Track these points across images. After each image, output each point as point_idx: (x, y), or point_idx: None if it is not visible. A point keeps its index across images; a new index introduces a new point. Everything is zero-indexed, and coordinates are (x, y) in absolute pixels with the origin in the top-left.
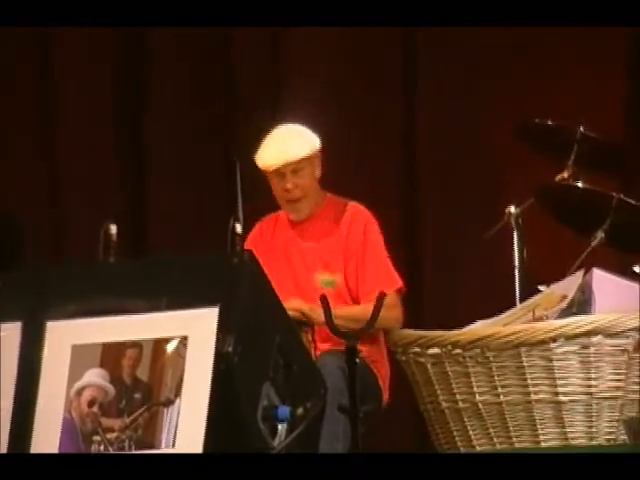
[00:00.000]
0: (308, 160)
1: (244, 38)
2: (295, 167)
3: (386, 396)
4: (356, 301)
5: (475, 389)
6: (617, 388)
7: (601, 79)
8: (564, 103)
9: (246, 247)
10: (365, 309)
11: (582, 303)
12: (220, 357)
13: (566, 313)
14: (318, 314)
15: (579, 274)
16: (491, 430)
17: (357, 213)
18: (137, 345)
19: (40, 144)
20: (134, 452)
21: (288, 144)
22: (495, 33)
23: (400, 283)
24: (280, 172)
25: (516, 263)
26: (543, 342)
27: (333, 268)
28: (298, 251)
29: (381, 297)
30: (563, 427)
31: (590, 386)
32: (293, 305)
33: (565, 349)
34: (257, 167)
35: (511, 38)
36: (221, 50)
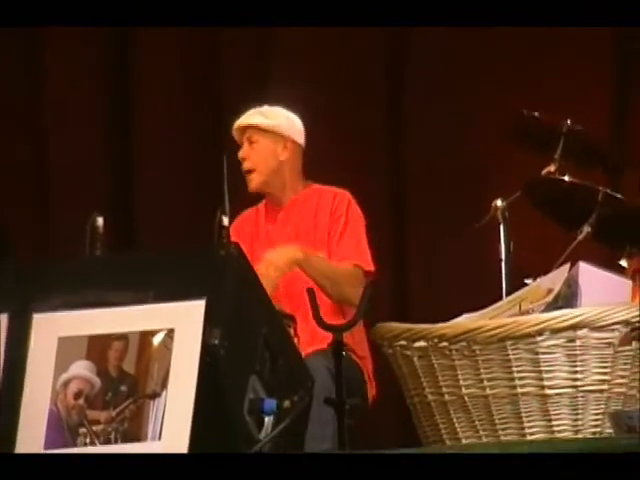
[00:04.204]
0: (267, 134)
1: (231, 39)
2: (250, 137)
3: (373, 391)
4: None
5: (461, 382)
6: (603, 381)
7: (586, 81)
8: (549, 105)
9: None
10: (335, 267)
11: (568, 296)
12: (207, 350)
13: (552, 306)
14: (314, 261)
15: (565, 268)
16: (477, 423)
17: (341, 197)
18: (123, 337)
19: (26, 137)
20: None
21: (249, 114)
22: (482, 36)
23: (370, 265)
24: (240, 141)
25: (502, 256)
26: (529, 335)
27: (318, 246)
28: (280, 239)
29: (368, 287)
30: (549, 420)
31: (576, 379)
32: (288, 255)
33: (551, 342)
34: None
35: (498, 41)
36: (208, 50)
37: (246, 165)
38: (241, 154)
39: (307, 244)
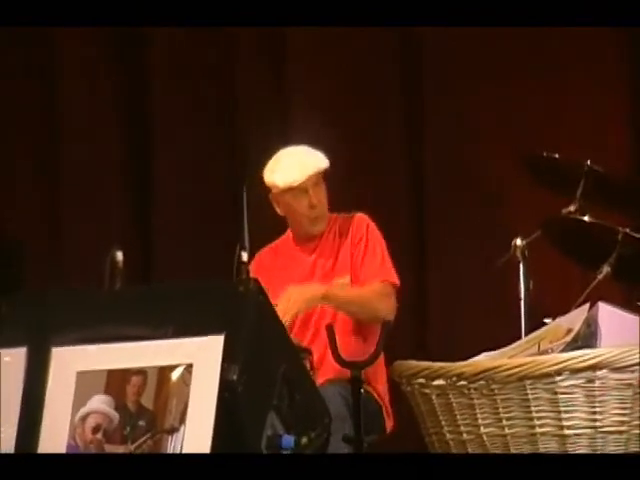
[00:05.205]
0: (321, 175)
1: (249, 64)
2: (316, 181)
3: (390, 425)
4: None
5: (480, 421)
6: (622, 422)
7: (605, 107)
8: (569, 135)
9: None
10: (361, 293)
11: (588, 336)
12: (225, 385)
13: (571, 346)
14: (337, 293)
15: (585, 307)
16: None
17: (360, 220)
18: (142, 372)
19: (42, 168)
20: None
21: (307, 158)
22: (500, 61)
23: (396, 279)
24: (302, 187)
25: (522, 295)
26: (548, 375)
27: (342, 272)
28: (307, 268)
29: (385, 324)
30: None
31: (595, 420)
32: (308, 293)
33: (570, 382)
34: (267, 189)
35: (516, 68)
36: (225, 75)
37: (320, 210)
38: (314, 200)
39: (329, 271)
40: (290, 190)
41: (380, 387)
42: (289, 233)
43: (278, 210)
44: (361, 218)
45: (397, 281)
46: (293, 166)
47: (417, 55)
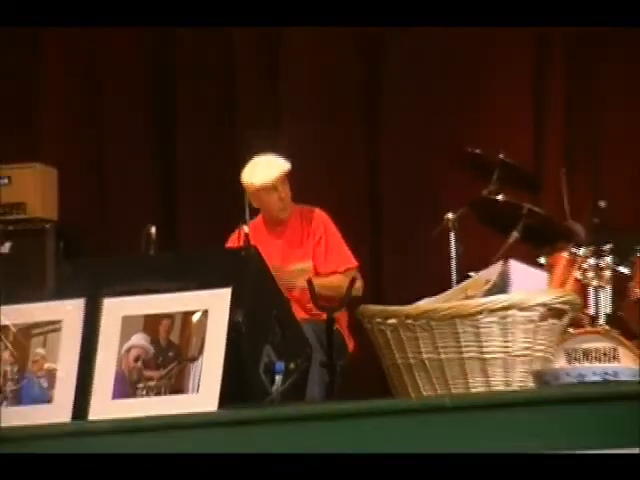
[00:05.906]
0: (287, 175)
1: (248, 64)
2: (283, 179)
3: (352, 345)
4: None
5: (422, 349)
6: (527, 349)
7: (516, 107)
8: (488, 134)
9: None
10: (333, 280)
11: (501, 285)
12: (232, 326)
13: (489, 293)
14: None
15: (499, 264)
16: (434, 380)
17: (319, 216)
18: (170, 316)
19: (91, 162)
20: (170, 398)
21: (274, 163)
22: (444, 76)
23: (355, 262)
24: (273, 185)
25: (452, 255)
26: (472, 315)
27: (304, 258)
28: (276, 248)
29: (351, 283)
30: (487, 378)
31: (507, 347)
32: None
33: (489, 320)
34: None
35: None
36: (229, 76)
37: (287, 201)
38: (282, 194)
39: (296, 254)
40: (264, 188)
41: (343, 324)
42: (260, 218)
43: (254, 204)
44: (320, 214)
45: (355, 262)
46: (265, 170)
47: (378, 56)
